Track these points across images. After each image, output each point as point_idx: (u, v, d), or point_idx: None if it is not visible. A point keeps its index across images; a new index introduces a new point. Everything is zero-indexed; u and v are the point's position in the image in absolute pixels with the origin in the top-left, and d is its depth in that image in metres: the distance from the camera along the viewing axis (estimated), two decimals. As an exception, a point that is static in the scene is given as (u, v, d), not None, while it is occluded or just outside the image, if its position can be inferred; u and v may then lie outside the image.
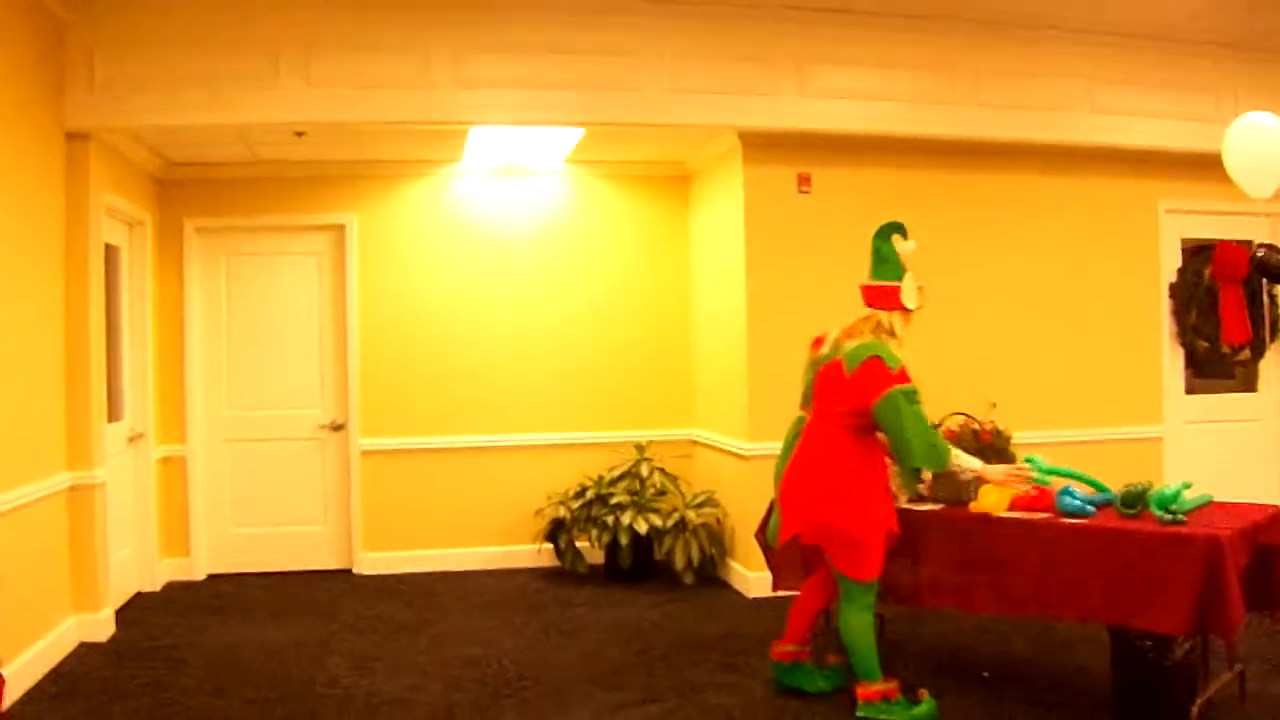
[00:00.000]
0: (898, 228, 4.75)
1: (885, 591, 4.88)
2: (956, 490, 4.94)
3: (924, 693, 4.59)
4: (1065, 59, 6.87)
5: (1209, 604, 4.01)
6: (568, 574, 7.24)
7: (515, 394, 7.66)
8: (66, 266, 5.75)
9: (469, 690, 4.96)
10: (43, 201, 5.50)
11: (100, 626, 5.83)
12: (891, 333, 4.64)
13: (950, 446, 4.53)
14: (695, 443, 7.69)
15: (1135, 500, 4.40)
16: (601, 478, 7.30)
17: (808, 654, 4.91)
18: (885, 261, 4.74)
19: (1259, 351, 7.71)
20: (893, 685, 4.56)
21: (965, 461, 4.55)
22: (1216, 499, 4.68)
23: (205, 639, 5.87)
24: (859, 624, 4.59)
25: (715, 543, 7.00)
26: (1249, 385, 7.88)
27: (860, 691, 4.56)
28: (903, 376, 4.49)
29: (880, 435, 4.60)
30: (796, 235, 6.80)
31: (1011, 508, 4.69)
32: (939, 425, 4.99)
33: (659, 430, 7.70)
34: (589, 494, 7.22)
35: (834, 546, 4.60)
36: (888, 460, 4.70)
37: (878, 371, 4.48)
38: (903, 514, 4.85)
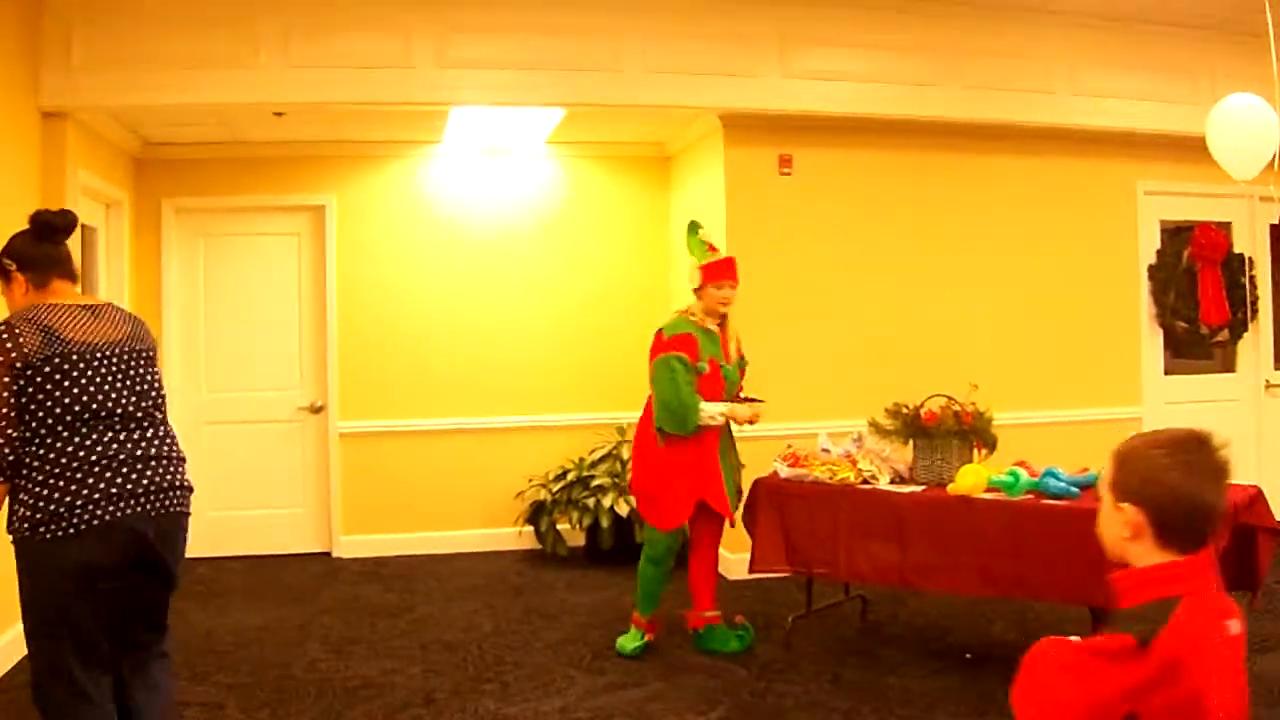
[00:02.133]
0: (692, 226, 5.32)
1: (870, 573, 4.94)
2: (937, 472, 4.97)
3: (739, 619, 5.36)
4: (1046, 41, 6.87)
5: (1189, 584, 4.02)
6: (549, 557, 7.23)
7: (495, 376, 7.62)
8: (41, 247, 5.67)
9: (448, 674, 4.94)
10: (18, 181, 5.42)
11: (77, 611, 5.77)
12: (692, 313, 5.17)
13: (698, 410, 4.96)
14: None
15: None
16: (582, 460, 7.28)
17: (719, 618, 5.24)
18: (689, 253, 5.32)
19: (1237, 333, 7.75)
20: (645, 621, 5.20)
21: (711, 409, 5.01)
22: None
23: (182, 624, 5.80)
24: (646, 570, 5.21)
25: (696, 525, 6.99)
26: (1227, 366, 7.92)
27: (633, 617, 5.25)
28: (673, 344, 5.02)
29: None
30: (777, 216, 6.79)
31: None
32: (920, 406, 5.04)
33: (640, 412, 7.66)
34: (570, 476, 7.19)
35: (638, 499, 5.32)
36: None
37: (656, 342, 5.12)
38: (885, 496, 4.89)
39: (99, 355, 3.18)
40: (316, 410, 7.53)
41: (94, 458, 3.10)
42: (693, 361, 5.00)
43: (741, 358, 5.32)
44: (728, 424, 5.20)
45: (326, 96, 6.06)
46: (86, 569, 3.07)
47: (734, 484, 5.28)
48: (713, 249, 5.24)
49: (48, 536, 3.03)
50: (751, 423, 5.19)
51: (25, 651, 5.02)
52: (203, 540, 7.31)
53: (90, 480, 3.07)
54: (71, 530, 3.03)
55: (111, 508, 3.09)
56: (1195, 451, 1.94)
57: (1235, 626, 1.92)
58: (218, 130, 7.00)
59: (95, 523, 3.06)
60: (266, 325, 7.54)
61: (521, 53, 6.17)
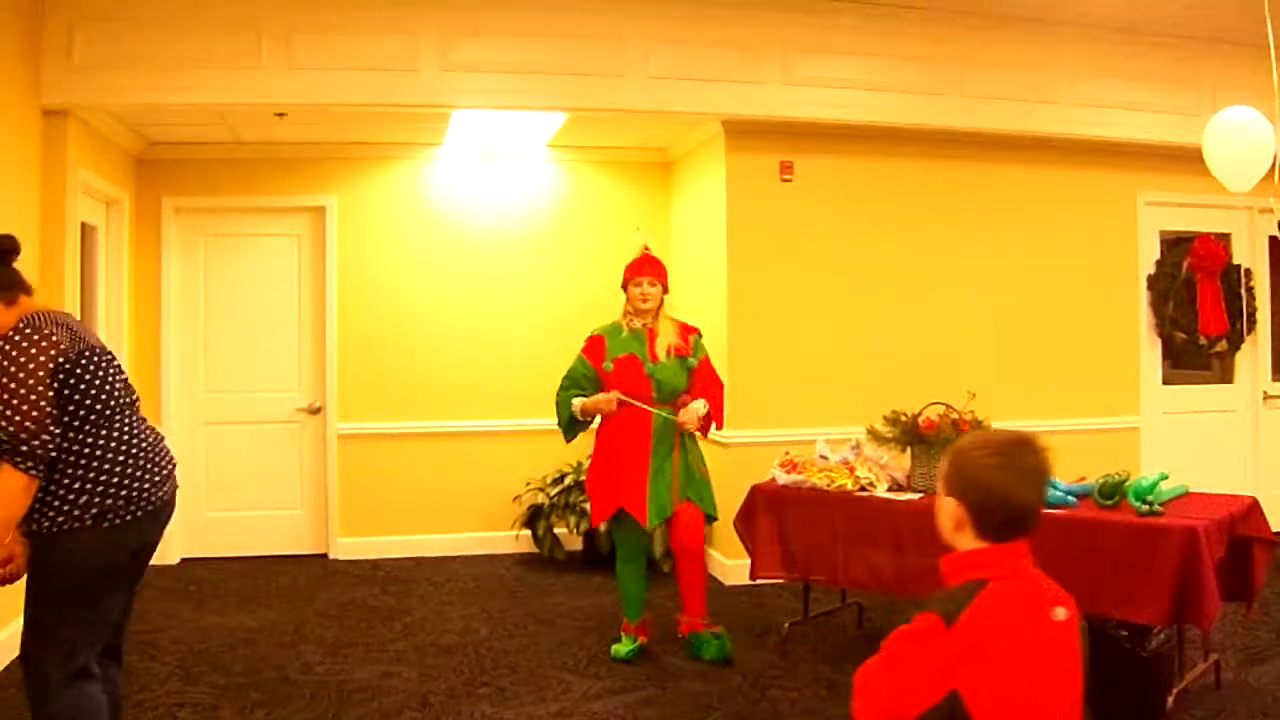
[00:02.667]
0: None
1: (867, 580, 4.94)
2: (934, 480, 4.96)
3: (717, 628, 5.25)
4: (1048, 51, 6.88)
5: (1185, 594, 4.03)
6: (546, 561, 7.23)
7: (494, 379, 7.63)
8: (42, 245, 5.69)
9: (444, 678, 4.94)
10: (18, 179, 5.43)
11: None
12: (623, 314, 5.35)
13: (569, 403, 5.19)
14: (674, 430, 7.68)
15: (1113, 491, 4.42)
16: (580, 464, 7.26)
17: (702, 624, 5.23)
18: None
19: (1235, 344, 7.75)
20: (633, 627, 5.24)
21: (577, 401, 5.20)
22: (1193, 490, 4.70)
23: (178, 624, 5.83)
24: (618, 570, 5.33)
25: (693, 530, 6.98)
26: (1225, 377, 7.92)
27: (622, 624, 5.30)
28: (585, 346, 5.28)
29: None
30: (778, 223, 6.79)
31: None
32: (919, 414, 5.04)
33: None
34: (568, 480, 7.19)
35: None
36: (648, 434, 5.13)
37: None
38: (882, 504, 4.89)
39: (106, 352, 3.33)
40: (315, 411, 7.53)
41: (142, 442, 3.30)
42: (595, 363, 5.20)
43: (683, 358, 5.23)
44: (679, 428, 5.13)
45: (329, 98, 6.06)
46: (141, 548, 3.31)
47: (667, 487, 5.11)
48: (644, 250, 5.35)
49: (118, 522, 3.16)
50: (684, 415, 5.09)
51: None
52: (199, 540, 7.34)
53: (146, 464, 3.28)
54: (139, 512, 3.22)
55: (165, 487, 3.35)
56: (1014, 454, 2.17)
57: (1061, 613, 2.12)
58: (219, 130, 7.00)
59: (157, 502, 3.29)
60: (266, 326, 7.54)
61: (524, 57, 6.18)
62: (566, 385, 5.25)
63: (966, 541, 2.19)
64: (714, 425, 5.26)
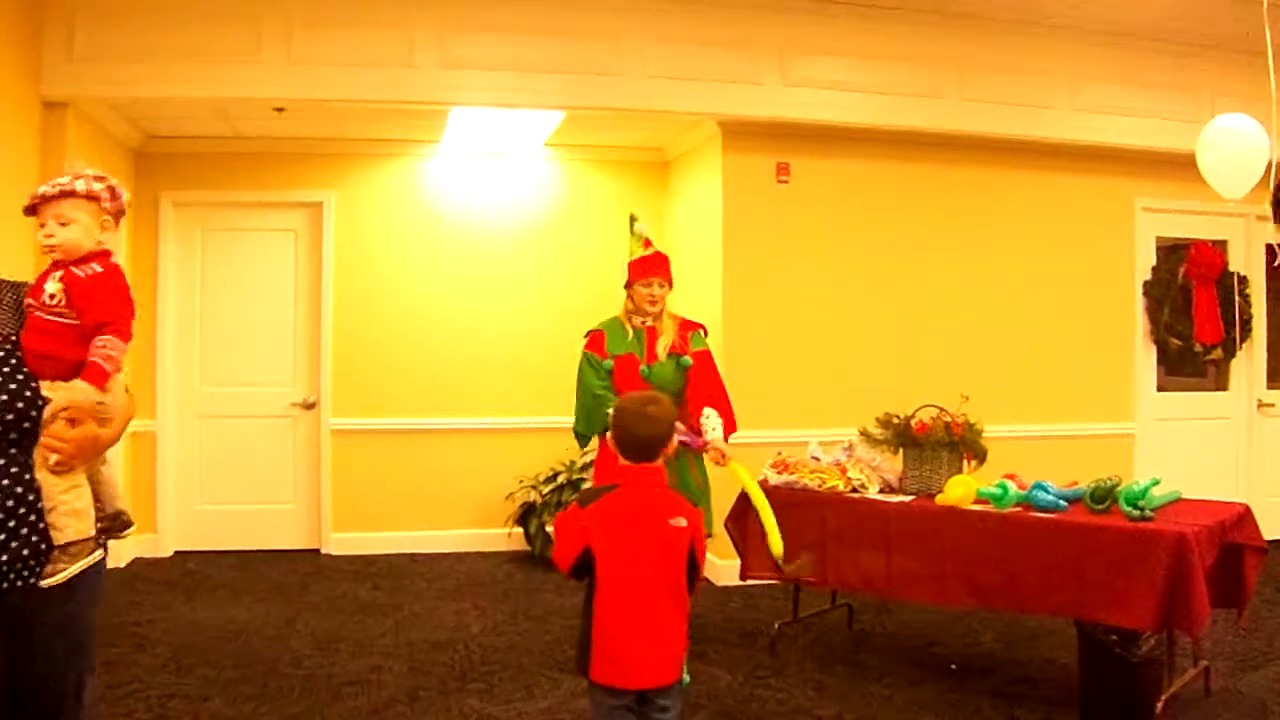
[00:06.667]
0: (631, 219, 5.05)
1: (857, 582, 4.94)
2: (926, 482, 4.98)
3: None
4: (1047, 55, 6.90)
5: (1175, 600, 4.04)
6: (537, 559, 7.22)
7: (488, 376, 7.63)
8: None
9: (434, 673, 4.94)
10: (16, 170, 5.42)
11: (64, 602, 5.76)
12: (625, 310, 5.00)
13: (606, 403, 4.67)
14: (669, 430, 7.66)
15: (1104, 496, 4.43)
16: (573, 462, 7.26)
17: None
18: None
19: (1230, 351, 7.76)
20: None
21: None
22: (1185, 496, 4.71)
23: (170, 617, 5.83)
24: None
25: (686, 530, 6.97)
26: (1220, 384, 7.94)
27: None
28: (587, 342, 4.96)
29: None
30: (774, 224, 6.80)
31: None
32: (911, 416, 5.04)
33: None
34: (560, 478, 7.19)
35: None
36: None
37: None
38: (873, 505, 4.89)
39: None
40: (309, 406, 7.53)
41: None
42: (601, 359, 4.90)
43: (681, 355, 4.94)
44: (676, 453, 4.69)
45: (328, 93, 6.07)
46: None
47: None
48: (647, 244, 4.97)
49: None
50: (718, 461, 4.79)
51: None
52: (193, 534, 7.34)
53: None
54: None
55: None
56: (642, 405, 3.26)
57: (681, 521, 3.16)
58: (217, 125, 7.01)
59: None
60: (262, 320, 7.55)
61: (522, 54, 6.19)
62: (603, 388, 4.81)
63: (619, 459, 3.25)
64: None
